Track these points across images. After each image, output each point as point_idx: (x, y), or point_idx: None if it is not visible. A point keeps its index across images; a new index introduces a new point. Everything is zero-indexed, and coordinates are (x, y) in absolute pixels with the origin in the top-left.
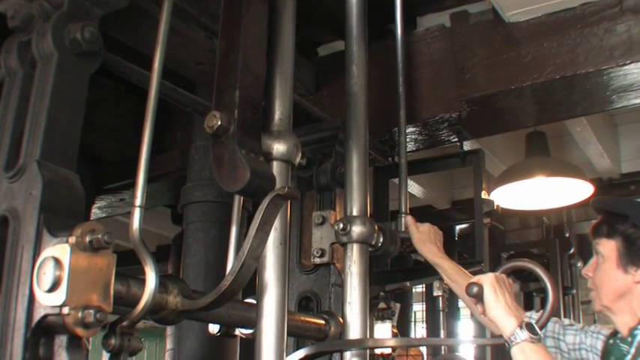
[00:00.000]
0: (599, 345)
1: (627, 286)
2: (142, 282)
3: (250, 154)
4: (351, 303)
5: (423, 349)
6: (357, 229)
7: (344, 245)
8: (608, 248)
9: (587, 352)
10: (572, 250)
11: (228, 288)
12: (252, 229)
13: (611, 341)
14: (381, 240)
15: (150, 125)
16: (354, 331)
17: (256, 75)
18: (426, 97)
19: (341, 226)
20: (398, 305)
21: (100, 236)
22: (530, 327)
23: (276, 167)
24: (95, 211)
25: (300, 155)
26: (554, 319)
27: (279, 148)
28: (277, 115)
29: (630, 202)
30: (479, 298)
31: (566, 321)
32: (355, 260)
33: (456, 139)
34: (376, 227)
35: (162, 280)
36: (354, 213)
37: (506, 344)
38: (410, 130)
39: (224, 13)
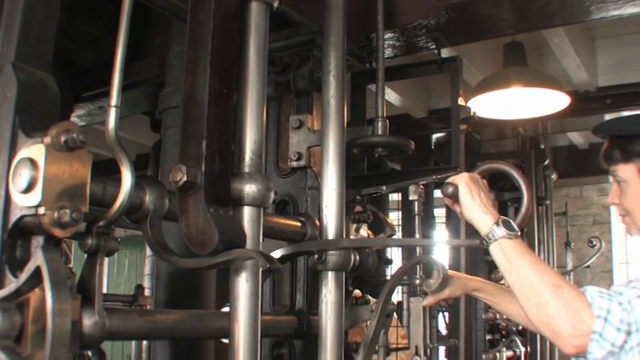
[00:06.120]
0: None
1: None
2: (118, 182)
3: (219, 210)
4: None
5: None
6: (332, 258)
7: (319, 272)
8: (628, 172)
9: None
10: (546, 162)
11: None
12: None
13: None
14: (358, 260)
15: (126, 22)
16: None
17: (226, 117)
18: (404, 2)
19: (316, 256)
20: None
21: (75, 136)
22: (506, 223)
23: (247, 213)
24: (74, 120)
25: (272, 196)
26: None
27: (249, 192)
28: (248, 155)
29: (633, 118)
30: (454, 198)
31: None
32: (331, 289)
33: (434, 46)
34: None
35: (139, 181)
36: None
37: (484, 242)
38: (388, 35)
39: (189, 46)
